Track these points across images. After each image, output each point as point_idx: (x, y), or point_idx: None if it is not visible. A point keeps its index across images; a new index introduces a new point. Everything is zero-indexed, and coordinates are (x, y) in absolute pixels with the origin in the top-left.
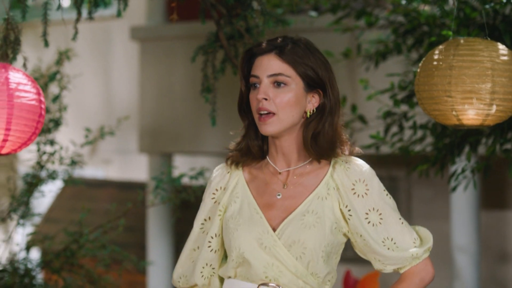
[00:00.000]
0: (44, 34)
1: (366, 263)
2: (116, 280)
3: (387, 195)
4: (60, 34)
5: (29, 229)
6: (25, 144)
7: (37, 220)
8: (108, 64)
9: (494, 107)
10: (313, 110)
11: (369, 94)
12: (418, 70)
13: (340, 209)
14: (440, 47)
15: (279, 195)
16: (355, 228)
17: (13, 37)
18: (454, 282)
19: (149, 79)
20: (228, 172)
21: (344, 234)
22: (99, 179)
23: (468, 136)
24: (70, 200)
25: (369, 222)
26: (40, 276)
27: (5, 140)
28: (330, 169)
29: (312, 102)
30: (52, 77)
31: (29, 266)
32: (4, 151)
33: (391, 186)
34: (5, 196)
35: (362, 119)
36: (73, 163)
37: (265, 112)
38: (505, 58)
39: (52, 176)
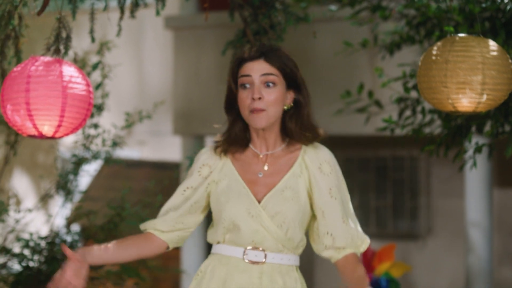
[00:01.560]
0: (91, 31)
1: (383, 238)
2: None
3: (342, 177)
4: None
5: (69, 206)
6: (76, 129)
7: (76, 198)
8: (141, 51)
9: (485, 96)
10: (290, 105)
11: (383, 82)
12: (419, 64)
13: (310, 185)
14: (438, 43)
15: (260, 174)
16: (318, 202)
17: (65, 34)
18: (468, 255)
19: (182, 66)
20: (216, 153)
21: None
22: (134, 159)
23: (473, 119)
24: (107, 179)
25: (331, 197)
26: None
27: (59, 126)
28: (302, 152)
29: (289, 98)
30: (94, 67)
31: (75, 238)
32: (58, 135)
33: (412, 165)
34: (47, 176)
35: (378, 103)
36: (114, 144)
37: (258, 109)
38: (495, 53)
39: (96, 156)
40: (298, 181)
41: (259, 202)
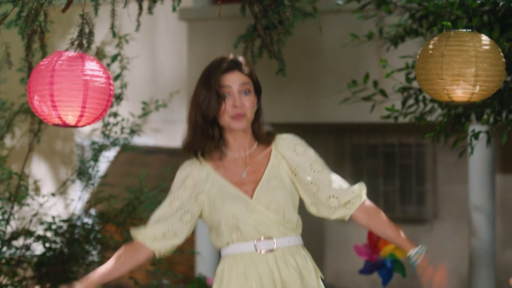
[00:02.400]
0: (112, 27)
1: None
2: None
3: (317, 153)
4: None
5: (87, 191)
6: (97, 118)
7: (95, 183)
8: (156, 42)
9: (478, 87)
10: (256, 109)
11: (387, 72)
12: (417, 57)
13: (291, 170)
14: (435, 38)
15: (244, 173)
16: (307, 179)
17: (88, 29)
18: (472, 238)
19: (195, 56)
20: (197, 167)
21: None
22: (149, 146)
23: (471, 108)
24: (123, 166)
25: (314, 171)
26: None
27: (81, 116)
28: (273, 146)
29: (257, 103)
30: (113, 59)
31: (95, 221)
32: (80, 124)
33: (418, 152)
34: (64, 163)
35: (383, 93)
36: (132, 132)
37: (240, 113)
38: (487, 47)
39: (115, 143)
40: (278, 170)
41: (251, 198)
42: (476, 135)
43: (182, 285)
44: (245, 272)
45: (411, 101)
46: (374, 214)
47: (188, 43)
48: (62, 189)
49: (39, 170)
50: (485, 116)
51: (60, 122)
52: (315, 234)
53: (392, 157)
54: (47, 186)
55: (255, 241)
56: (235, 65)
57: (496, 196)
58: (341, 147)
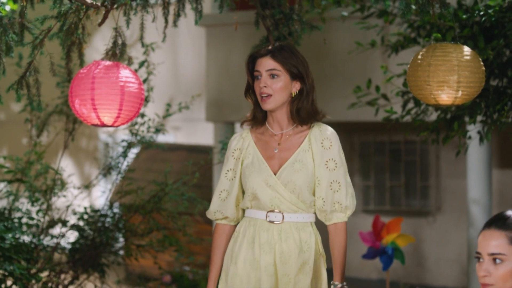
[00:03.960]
0: (141, 38)
1: (396, 215)
2: (188, 221)
3: (342, 154)
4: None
5: (111, 185)
6: (130, 119)
7: (118, 179)
8: (177, 46)
9: (460, 92)
10: (295, 93)
11: (386, 78)
12: (408, 66)
13: (312, 158)
14: (423, 50)
15: (276, 150)
16: (316, 172)
17: (121, 41)
18: (470, 230)
19: (214, 59)
20: (242, 138)
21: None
22: (170, 143)
23: (461, 110)
24: (146, 162)
25: (327, 168)
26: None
27: (118, 117)
28: (309, 131)
29: (296, 87)
30: (141, 65)
31: (123, 211)
32: (116, 124)
33: (422, 148)
34: (96, 159)
35: (385, 97)
36: (157, 130)
37: (265, 95)
38: (468, 57)
39: (141, 141)
40: (306, 155)
41: (274, 173)
42: (464, 134)
43: (202, 271)
44: (254, 236)
45: (411, 104)
46: (338, 235)
47: (206, 47)
48: (95, 181)
49: (66, 165)
50: (479, 118)
51: (98, 122)
52: (325, 225)
53: (398, 154)
54: (74, 180)
55: (268, 211)
56: (267, 52)
57: (494, 189)
58: (351, 144)
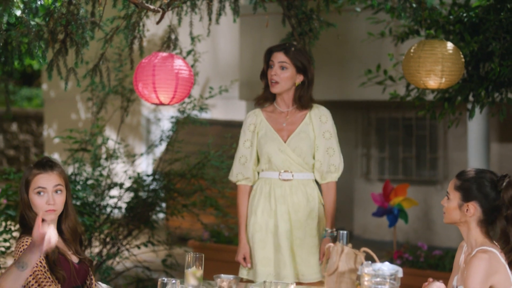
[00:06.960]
0: (191, 33)
1: (403, 182)
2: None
3: (335, 128)
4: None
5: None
6: (182, 99)
7: (159, 151)
8: (215, 34)
9: (444, 79)
10: (298, 83)
11: (393, 64)
12: (403, 58)
13: (312, 130)
14: (415, 45)
15: (284, 123)
16: (316, 141)
17: (174, 36)
18: None
19: (247, 44)
20: (255, 115)
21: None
22: (207, 119)
23: (453, 92)
24: (185, 135)
25: (324, 137)
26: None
27: (173, 97)
28: (310, 110)
29: (299, 78)
30: (188, 53)
31: (172, 176)
32: (171, 103)
33: (431, 124)
34: (133, 134)
35: (391, 78)
36: (201, 109)
37: (274, 81)
38: (451, 51)
39: (189, 118)
40: (308, 128)
41: (284, 141)
42: (453, 111)
43: (236, 229)
44: (269, 191)
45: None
46: (330, 192)
47: (240, 34)
48: (149, 150)
49: (113, 137)
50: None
51: (158, 101)
52: (345, 192)
53: (410, 129)
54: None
55: (280, 172)
56: (281, 49)
57: (494, 161)
58: (368, 120)
